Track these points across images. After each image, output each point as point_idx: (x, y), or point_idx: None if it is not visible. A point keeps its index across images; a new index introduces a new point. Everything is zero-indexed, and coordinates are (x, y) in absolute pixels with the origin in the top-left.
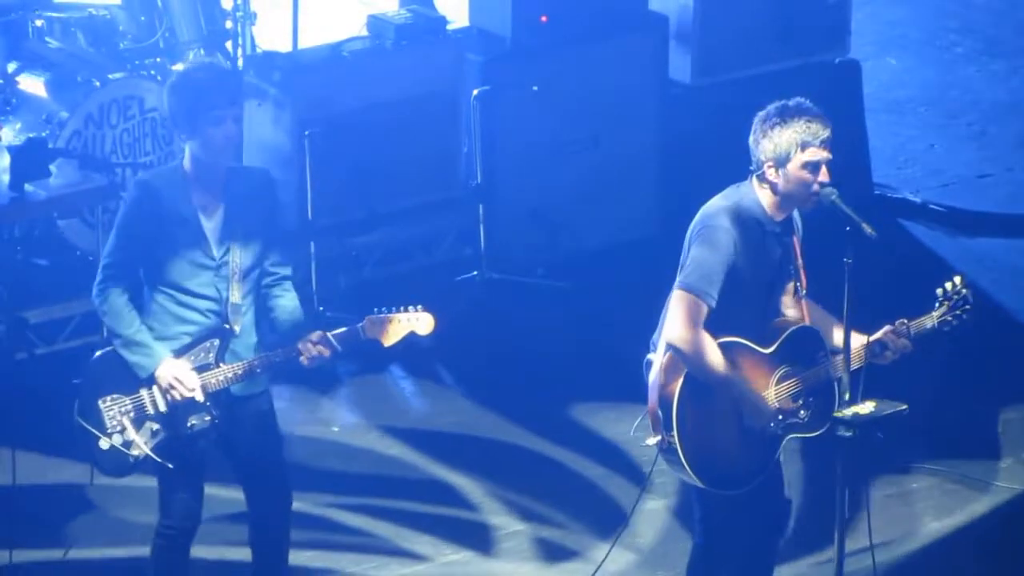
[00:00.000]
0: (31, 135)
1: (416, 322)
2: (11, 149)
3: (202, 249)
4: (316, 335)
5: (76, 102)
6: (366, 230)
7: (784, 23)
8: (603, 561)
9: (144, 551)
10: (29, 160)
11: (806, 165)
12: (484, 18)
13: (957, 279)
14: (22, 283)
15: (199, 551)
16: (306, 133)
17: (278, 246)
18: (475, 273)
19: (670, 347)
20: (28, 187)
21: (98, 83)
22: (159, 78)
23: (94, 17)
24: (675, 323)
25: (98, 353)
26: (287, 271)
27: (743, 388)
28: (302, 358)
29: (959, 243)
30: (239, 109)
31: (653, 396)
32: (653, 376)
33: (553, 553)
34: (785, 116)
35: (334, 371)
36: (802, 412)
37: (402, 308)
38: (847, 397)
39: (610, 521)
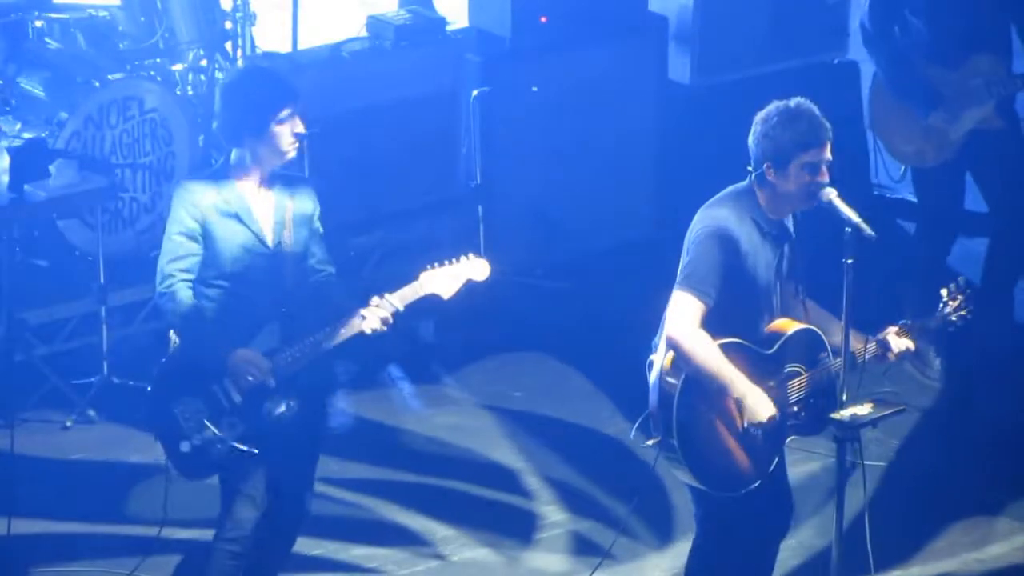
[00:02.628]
0: (31, 135)
1: (472, 269)
2: (11, 150)
3: (257, 237)
4: (375, 300)
5: (76, 103)
6: (365, 230)
7: (783, 24)
8: (600, 563)
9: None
10: (28, 161)
11: (805, 166)
12: (484, 19)
13: (960, 279)
14: (21, 284)
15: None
16: (305, 133)
17: (322, 244)
18: None
19: (670, 346)
20: (27, 188)
21: (98, 84)
22: (159, 79)
23: (94, 18)
24: (675, 323)
25: (163, 359)
26: (331, 268)
27: (743, 385)
28: (364, 324)
29: (959, 243)
30: (301, 106)
31: (654, 397)
32: (654, 377)
33: (551, 553)
34: (784, 117)
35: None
36: (803, 413)
37: (454, 259)
38: (845, 398)
39: (609, 522)
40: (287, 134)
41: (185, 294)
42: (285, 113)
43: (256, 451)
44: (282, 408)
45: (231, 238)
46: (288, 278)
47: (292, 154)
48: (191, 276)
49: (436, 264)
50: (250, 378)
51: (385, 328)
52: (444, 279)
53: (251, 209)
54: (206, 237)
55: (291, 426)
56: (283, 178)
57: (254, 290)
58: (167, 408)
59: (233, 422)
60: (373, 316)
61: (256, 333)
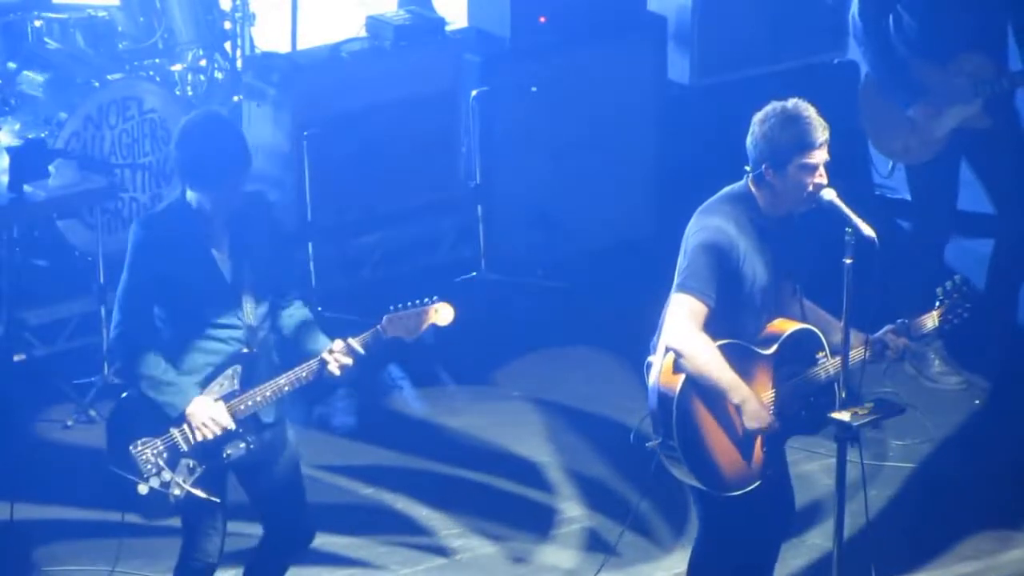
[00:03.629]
0: (30, 136)
1: (436, 314)
2: (10, 150)
3: (215, 277)
4: (338, 345)
5: (75, 103)
6: (365, 231)
7: (782, 24)
8: (604, 564)
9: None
10: (28, 161)
11: (804, 167)
12: (483, 19)
13: (957, 277)
14: (21, 284)
15: None
16: (305, 134)
17: (284, 267)
18: (474, 274)
19: (670, 349)
20: (27, 188)
21: (97, 84)
22: (158, 79)
23: (93, 18)
24: (675, 325)
25: (123, 396)
26: (295, 292)
27: (743, 390)
28: (327, 369)
29: (958, 243)
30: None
31: (653, 398)
32: (653, 378)
33: (549, 552)
34: (783, 117)
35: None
36: (803, 413)
37: (418, 301)
38: (844, 397)
39: (611, 521)
40: (238, 192)
41: (143, 338)
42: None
43: (217, 499)
44: (242, 447)
45: (192, 281)
46: (249, 315)
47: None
48: (147, 318)
49: (400, 307)
50: (208, 435)
51: (344, 372)
52: (407, 323)
53: (210, 248)
54: (165, 277)
55: (260, 455)
56: (243, 209)
57: (216, 331)
58: (124, 448)
59: (192, 465)
60: (335, 363)
61: (216, 375)
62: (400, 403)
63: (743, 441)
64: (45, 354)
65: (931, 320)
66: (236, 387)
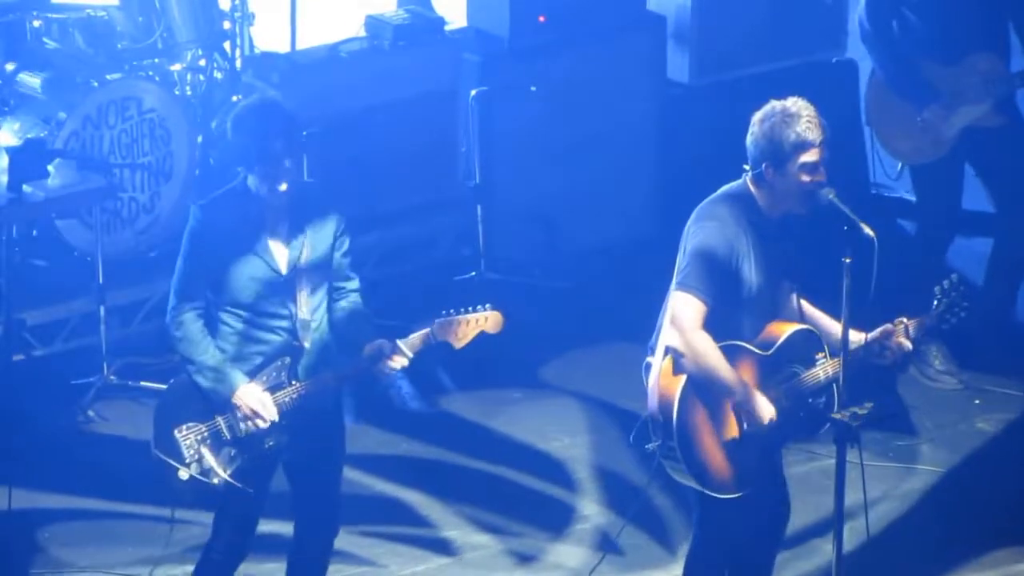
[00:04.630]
0: (29, 136)
1: (485, 321)
2: (9, 150)
3: (270, 266)
4: (388, 347)
5: (74, 103)
6: (365, 230)
7: (781, 23)
8: (598, 564)
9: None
10: (27, 161)
11: (804, 166)
12: (482, 18)
13: (954, 276)
14: (20, 284)
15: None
16: (304, 133)
17: (345, 259)
18: (473, 273)
19: (670, 350)
20: (26, 188)
21: (96, 84)
22: (157, 79)
23: (92, 18)
24: (676, 325)
25: (171, 381)
26: (354, 284)
27: (744, 391)
28: (378, 368)
29: (959, 243)
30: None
31: (652, 400)
32: (652, 379)
33: (542, 549)
34: (782, 116)
35: None
36: (802, 414)
37: (469, 308)
38: (844, 398)
39: (609, 522)
40: (282, 176)
41: (195, 323)
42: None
43: (251, 490)
44: (284, 439)
45: (244, 267)
46: (302, 311)
47: (276, 198)
48: (202, 303)
49: (451, 312)
50: (255, 423)
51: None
52: (457, 329)
53: (267, 238)
54: (219, 264)
55: (301, 448)
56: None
57: (267, 321)
58: (169, 431)
59: (233, 454)
60: (385, 364)
61: (266, 365)
62: (393, 403)
63: (742, 443)
64: (44, 354)
65: (929, 320)
66: (284, 379)
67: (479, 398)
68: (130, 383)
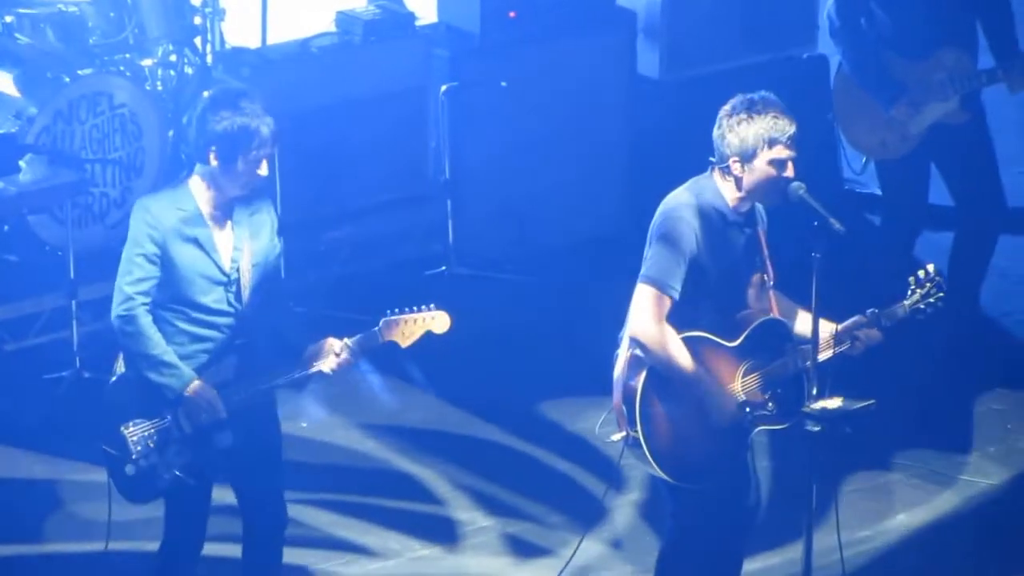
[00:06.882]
0: (0, 131)
1: (432, 321)
2: None
3: (215, 263)
4: (337, 345)
5: (45, 98)
6: (335, 226)
7: (752, 18)
8: (571, 557)
9: (117, 546)
10: None
11: (772, 162)
12: (453, 14)
13: (930, 267)
14: None
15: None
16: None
17: (280, 259)
18: (443, 268)
19: (633, 341)
20: None
21: (67, 79)
22: (128, 74)
23: (63, 13)
24: (638, 317)
25: (113, 378)
26: (282, 283)
27: (707, 383)
28: (323, 366)
29: (925, 237)
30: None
31: (617, 391)
32: (618, 371)
33: (522, 548)
34: (751, 111)
35: None
36: (769, 404)
37: (415, 308)
38: (815, 391)
39: (580, 515)
40: (251, 173)
41: (145, 318)
42: (259, 155)
43: (201, 485)
44: (230, 436)
45: (189, 264)
46: (246, 308)
47: (246, 192)
48: (149, 299)
49: (397, 311)
50: (204, 417)
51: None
52: (403, 328)
53: (211, 234)
54: (165, 260)
55: (243, 445)
56: (243, 199)
57: (211, 318)
58: (115, 428)
59: (180, 450)
60: (332, 362)
61: (212, 363)
62: (364, 397)
63: (708, 432)
64: (15, 349)
65: (902, 309)
66: (229, 377)
67: (445, 390)
68: (103, 377)
